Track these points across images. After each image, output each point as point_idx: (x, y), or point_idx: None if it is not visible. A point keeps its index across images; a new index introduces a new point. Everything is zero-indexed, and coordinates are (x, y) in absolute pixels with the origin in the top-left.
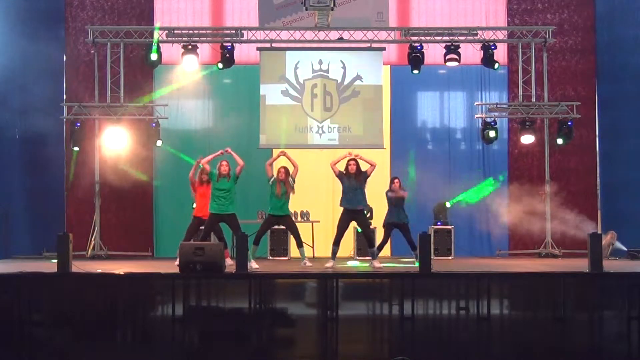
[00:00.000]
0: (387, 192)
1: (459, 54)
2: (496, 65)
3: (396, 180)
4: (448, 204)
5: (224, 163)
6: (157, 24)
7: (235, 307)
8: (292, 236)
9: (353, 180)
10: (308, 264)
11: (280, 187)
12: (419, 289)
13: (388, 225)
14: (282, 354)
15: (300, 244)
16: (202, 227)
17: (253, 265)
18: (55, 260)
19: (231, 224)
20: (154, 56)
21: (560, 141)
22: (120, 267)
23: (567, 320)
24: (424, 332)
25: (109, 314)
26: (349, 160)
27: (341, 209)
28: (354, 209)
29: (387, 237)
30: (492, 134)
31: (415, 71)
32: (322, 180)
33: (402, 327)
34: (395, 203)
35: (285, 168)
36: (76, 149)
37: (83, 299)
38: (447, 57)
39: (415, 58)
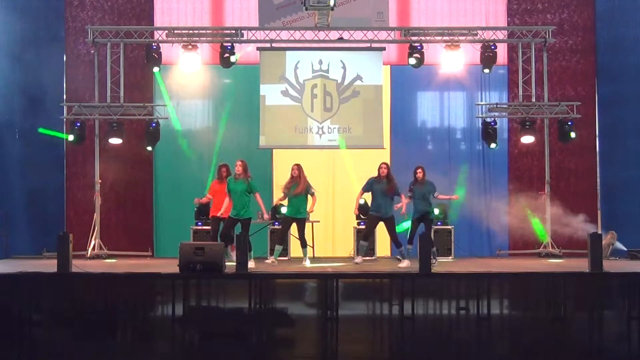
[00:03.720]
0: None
1: (458, 54)
2: (486, 71)
3: (419, 170)
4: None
5: (239, 163)
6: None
7: (235, 307)
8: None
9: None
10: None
11: (291, 186)
12: (419, 289)
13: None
14: (282, 354)
15: (304, 245)
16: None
17: (268, 260)
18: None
19: (248, 227)
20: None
21: (573, 134)
22: (120, 267)
23: (567, 320)
24: (424, 332)
25: (109, 314)
26: (381, 164)
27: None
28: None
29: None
30: (492, 145)
31: (412, 61)
32: (322, 181)
33: (402, 327)
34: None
35: (299, 165)
36: (71, 137)
37: (83, 299)
38: (447, 56)
39: (415, 58)
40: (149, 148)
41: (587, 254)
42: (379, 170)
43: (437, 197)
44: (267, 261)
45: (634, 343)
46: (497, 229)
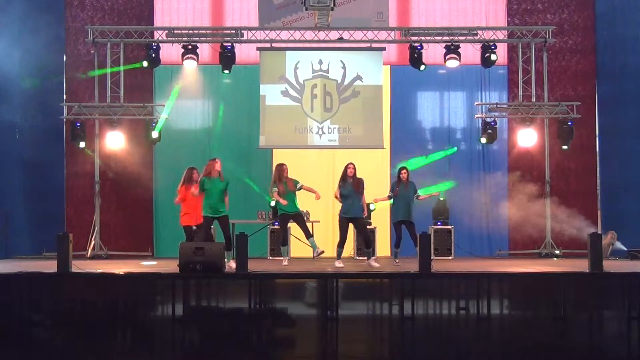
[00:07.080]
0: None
1: (459, 54)
2: (493, 57)
3: (404, 171)
4: (441, 198)
5: (218, 161)
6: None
7: (235, 307)
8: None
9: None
10: (319, 251)
11: (283, 186)
12: (419, 289)
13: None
14: (282, 354)
15: (308, 235)
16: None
17: (284, 262)
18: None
19: (225, 225)
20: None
21: (565, 147)
22: (120, 267)
23: (567, 320)
24: (424, 332)
25: (109, 314)
26: (348, 164)
27: (339, 210)
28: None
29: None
30: (483, 140)
31: (422, 67)
32: (322, 181)
33: (402, 327)
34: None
35: (285, 166)
36: (82, 144)
37: (83, 299)
38: (447, 57)
39: (415, 58)
40: (155, 134)
41: (587, 254)
42: (346, 170)
43: (419, 199)
44: (284, 264)
45: (634, 343)
46: (497, 229)
